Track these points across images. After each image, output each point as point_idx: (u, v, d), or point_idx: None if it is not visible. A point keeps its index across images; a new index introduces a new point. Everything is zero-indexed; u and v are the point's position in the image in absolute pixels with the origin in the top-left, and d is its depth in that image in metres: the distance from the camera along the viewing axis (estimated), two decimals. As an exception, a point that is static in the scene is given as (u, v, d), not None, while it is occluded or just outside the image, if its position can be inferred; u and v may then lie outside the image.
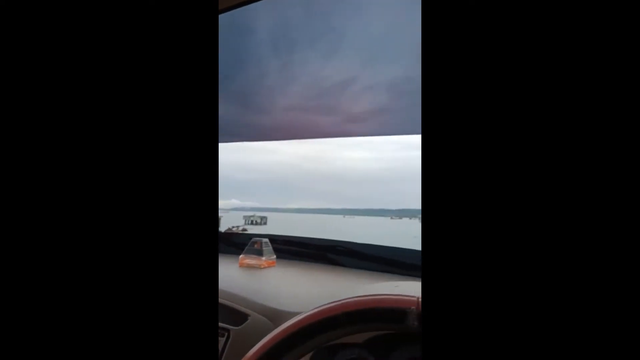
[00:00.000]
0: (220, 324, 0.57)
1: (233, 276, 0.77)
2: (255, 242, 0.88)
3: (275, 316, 0.57)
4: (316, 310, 0.36)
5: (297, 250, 0.95)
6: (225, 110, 1.18)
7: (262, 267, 0.85)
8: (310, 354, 0.56)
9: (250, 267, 0.85)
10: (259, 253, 0.86)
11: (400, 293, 0.33)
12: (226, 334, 0.56)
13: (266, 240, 0.89)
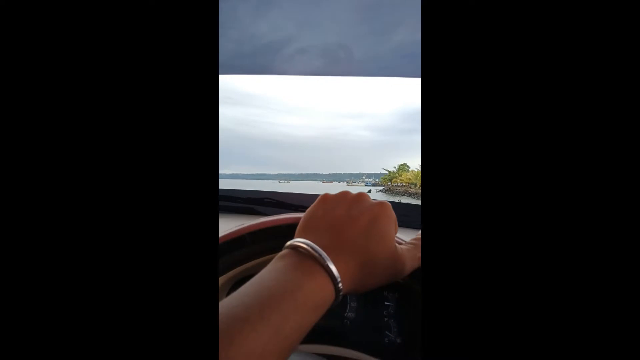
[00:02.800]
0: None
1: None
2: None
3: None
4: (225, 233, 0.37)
5: (224, 204, 0.95)
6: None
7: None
8: (227, 289, 0.58)
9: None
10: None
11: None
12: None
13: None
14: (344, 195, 0.31)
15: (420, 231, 0.33)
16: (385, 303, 0.52)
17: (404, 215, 0.69)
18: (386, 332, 0.51)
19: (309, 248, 0.26)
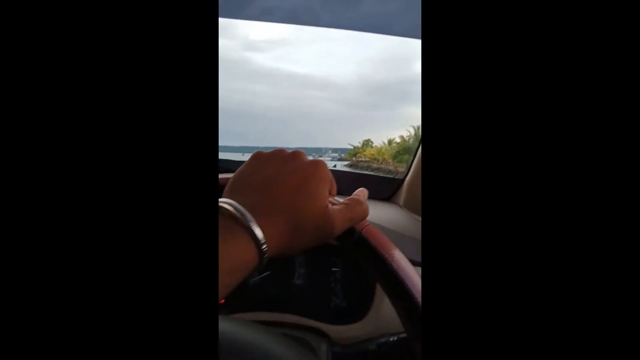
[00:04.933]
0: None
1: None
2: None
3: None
4: None
5: None
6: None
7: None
8: None
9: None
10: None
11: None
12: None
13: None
14: (277, 153, 0.29)
15: (357, 191, 0.32)
16: (333, 269, 0.53)
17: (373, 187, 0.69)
18: (332, 297, 0.52)
19: (231, 209, 0.24)
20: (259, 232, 0.23)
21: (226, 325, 0.31)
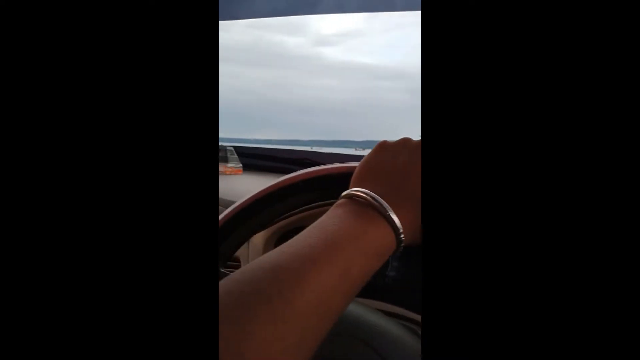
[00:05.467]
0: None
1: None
2: (219, 150, 0.84)
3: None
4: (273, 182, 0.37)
5: (262, 163, 0.93)
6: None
7: (227, 173, 0.82)
8: (275, 239, 0.58)
9: (215, 173, 0.82)
10: (224, 160, 0.83)
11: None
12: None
13: (231, 148, 0.86)
14: (405, 142, 0.29)
15: None
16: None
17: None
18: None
19: (368, 197, 0.25)
20: (397, 221, 0.24)
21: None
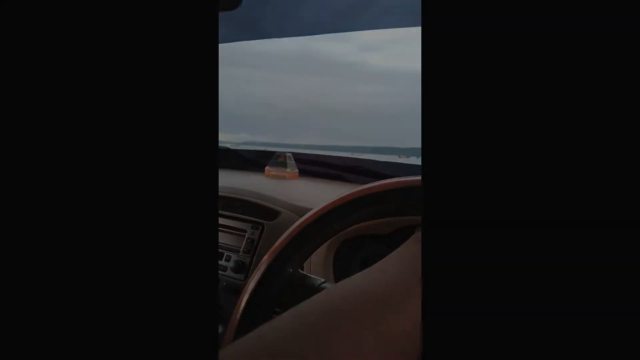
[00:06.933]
0: (255, 219, 0.64)
1: (262, 182, 0.84)
2: (279, 156, 0.93)
3: (303, 213, 0.64)
4: (335, 198, 0.39)
5: (311, 169, 0.99)
6: (228, 36, 1.06)
7: (287, 177, 0.91)
8: (337, 245, 0.62)
9: (275, 177, 0.91)
10: (284, 165, 0.92)
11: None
12: (260, 227, 0.63)
13: (289, 154, 0.95)
14: None
15: None
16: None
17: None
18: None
19: None
20: None
21: None
